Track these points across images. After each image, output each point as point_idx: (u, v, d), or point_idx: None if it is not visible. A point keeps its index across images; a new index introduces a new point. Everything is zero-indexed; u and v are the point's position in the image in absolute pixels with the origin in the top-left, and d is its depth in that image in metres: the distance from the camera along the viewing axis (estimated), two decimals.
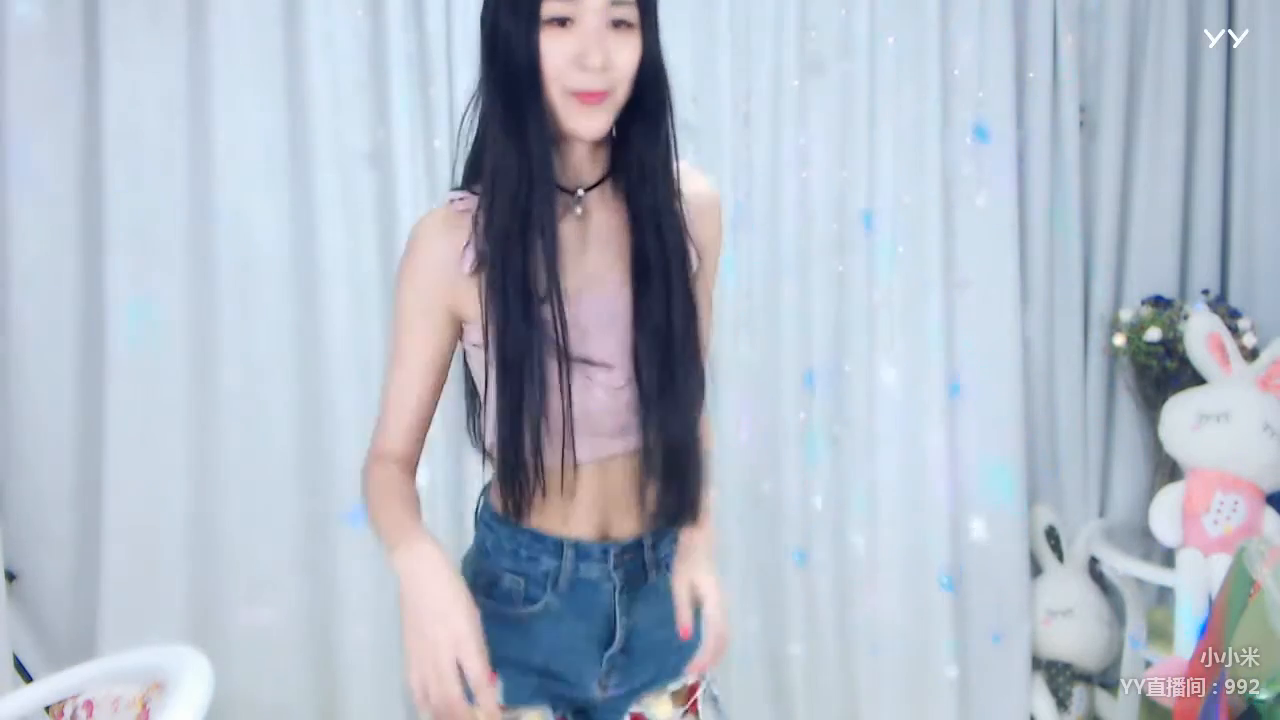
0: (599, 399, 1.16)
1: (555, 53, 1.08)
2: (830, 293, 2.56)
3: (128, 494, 2.19)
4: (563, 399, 1.14)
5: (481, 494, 1.29)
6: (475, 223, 1.14)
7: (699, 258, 1.23)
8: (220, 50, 2.19)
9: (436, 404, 1.22)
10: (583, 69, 1.08)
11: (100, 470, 2.19)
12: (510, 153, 1.11)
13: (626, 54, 1.11)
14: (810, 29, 2.50)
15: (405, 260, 1.19)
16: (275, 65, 2.24)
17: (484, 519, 1.26)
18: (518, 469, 1.14)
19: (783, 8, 2.48)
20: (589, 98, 1.10)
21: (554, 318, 1.13)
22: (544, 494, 1.16)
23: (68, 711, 1.59)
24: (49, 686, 1.63)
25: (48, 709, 1.61)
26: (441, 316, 1.18)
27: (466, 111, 1.19)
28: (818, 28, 2.50)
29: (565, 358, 1.13)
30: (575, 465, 1.17)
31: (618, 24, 1.10)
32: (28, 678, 2.13)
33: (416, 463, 1.24)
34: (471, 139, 1.21)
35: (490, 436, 1.17)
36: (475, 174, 1.20)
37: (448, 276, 1.16)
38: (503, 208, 1.11)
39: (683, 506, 1.21)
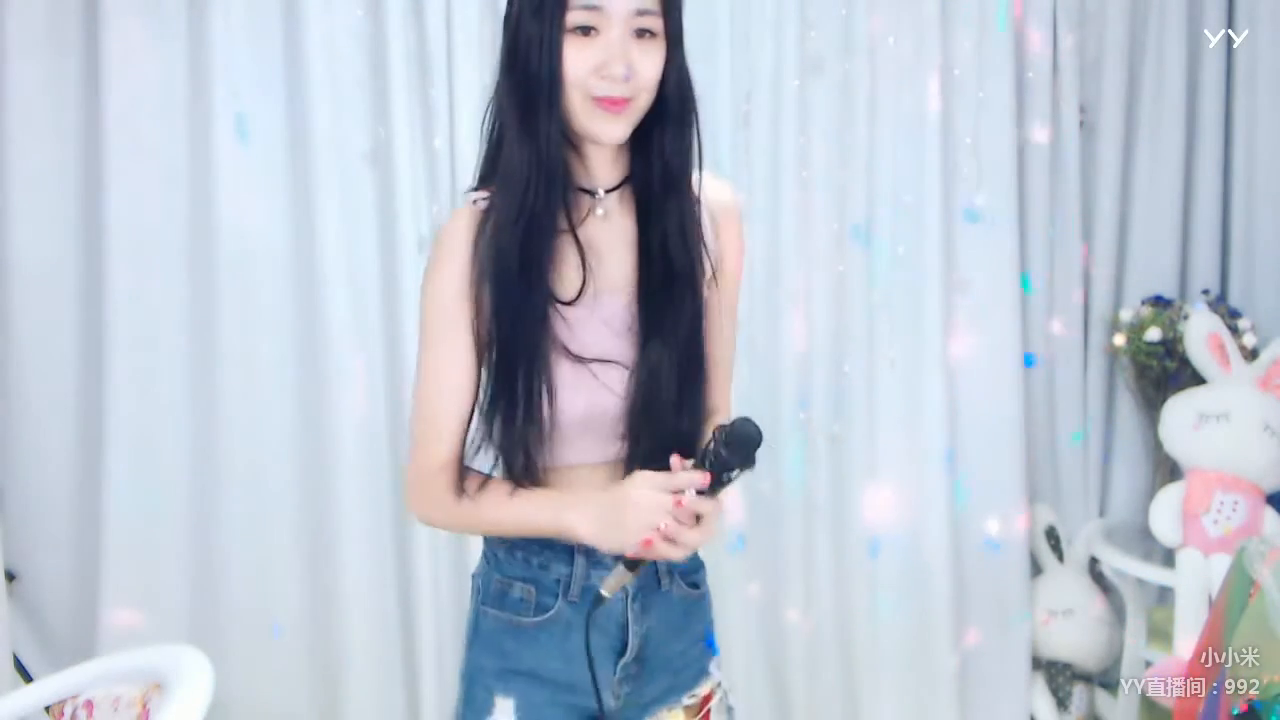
0: (607, 400, 1.16)
1: (578, 61, 1.08)
2: (830, 293, 2.56)
3: (128, 494, 2.19)
4: (566, 398, 1.14)
5: None
6: (485, 221, 1.14)
7: (714, 268, 1.23)
8: (220, 50, 2.19)
9: (472, 412, 1.19)
10: (605, 78, 1.08)
11: (100, 470, 2.19)
12: (523, 154, 1.11)
13: (650, 63, 1.11)
14: (810, 29, 2.50)
15: (431, 268, 1.17)
16: (275, 65, 2.24)
17: None
18: (523, 470, 1.15)
19: (783, 8, 2.47)
20: (611, 105, 1.10)
21: (560, 318, 1.14)
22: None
23: (68, 711, 1.59)
24: (49, 686, 1.63)
25: (48, 709, 1.61)
26: (471, 325, 1.16)
27: (488, 110, 1.18)
28: (818, 28, 2.50)
29: (571, 358, 1.14)
30: (575, 465, 1.18)
31: (641, 33, 1.10)
32: (28, 678, 2.13)
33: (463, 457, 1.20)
34: (490, 137, 1.20)
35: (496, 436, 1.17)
36: (492, 173, 1.19)
37: (476, 280, 1.15)
38: (509, 207, 1.11)
39: None
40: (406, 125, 2.28)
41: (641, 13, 1.09)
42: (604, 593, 1.10)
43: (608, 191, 1.19)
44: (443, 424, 1.17)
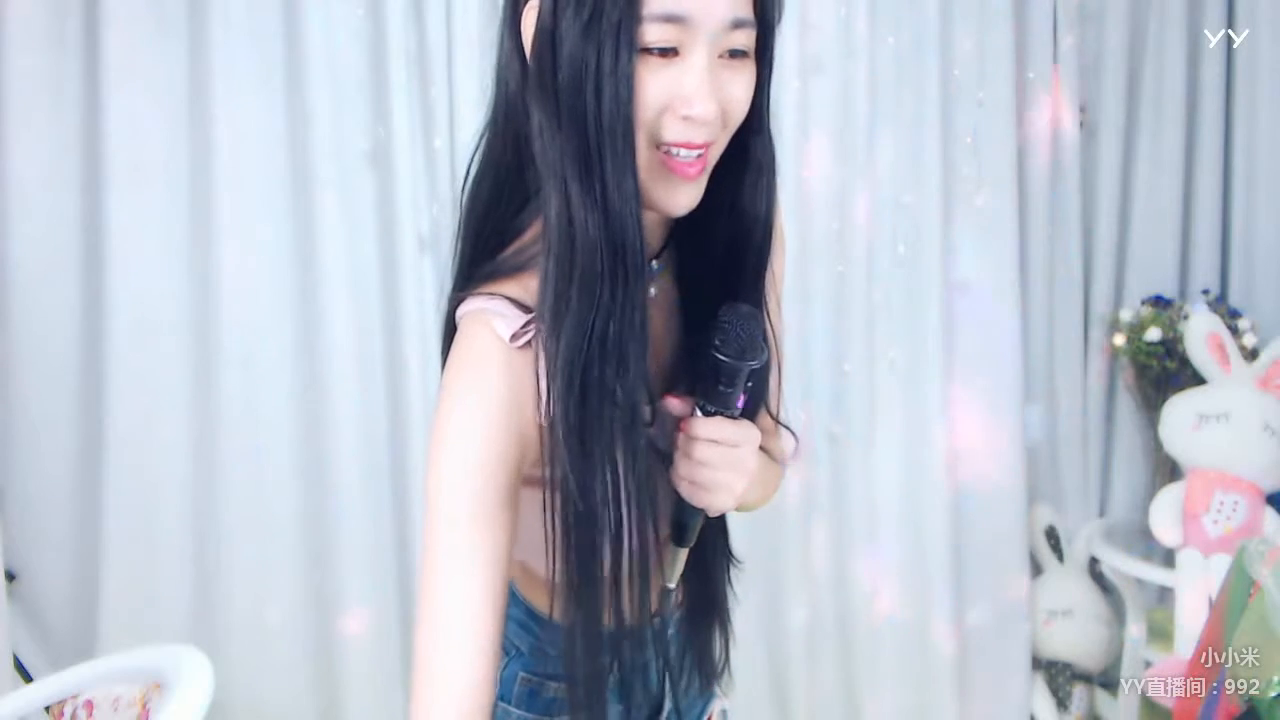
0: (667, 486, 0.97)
1: (651, 93, 0.79)
2: (830, 293, 2.56)
3: (128, 494, 2.20)
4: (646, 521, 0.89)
5: None
6: (544, 341, 0.82)
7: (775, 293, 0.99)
8: (220, 50, 2.20)
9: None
10: (685, 118, 0.80)
11: (100, 470, 2.19)
12: (592, 227, 0.80)
13: (741, 94, 0.83)
14: (810, 29, 2.50)
15: (456, 440, 0.82)
16: (275, 65, 2.25)
17: (514, 617, 1.04)
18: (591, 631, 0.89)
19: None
20: (687, 166, 0.82)
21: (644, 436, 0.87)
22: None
23: (68, 711, 1.59)
24: (49, 686, 1.63)
25: (48, 709, 1.61)
26: (512, 496, 0.83)
27: (471, 162, 0.90)
28: (818, 28, 2.50)
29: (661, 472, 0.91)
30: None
31: (733, 54, 0.82)
32: (28, 678, 2.13)
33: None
34: (489, 197, 0.90)
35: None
36: (489, 259, 0.90)
37: (520, 435, 0.84)
38: (578, 312, 0.80)
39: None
40: (406, 125, 2.28)
41: (738, 25, 0.80)
42: (669, 585, 0.97)
43: (656, 259, 0.92)
44: (465, 655, 0.80)
